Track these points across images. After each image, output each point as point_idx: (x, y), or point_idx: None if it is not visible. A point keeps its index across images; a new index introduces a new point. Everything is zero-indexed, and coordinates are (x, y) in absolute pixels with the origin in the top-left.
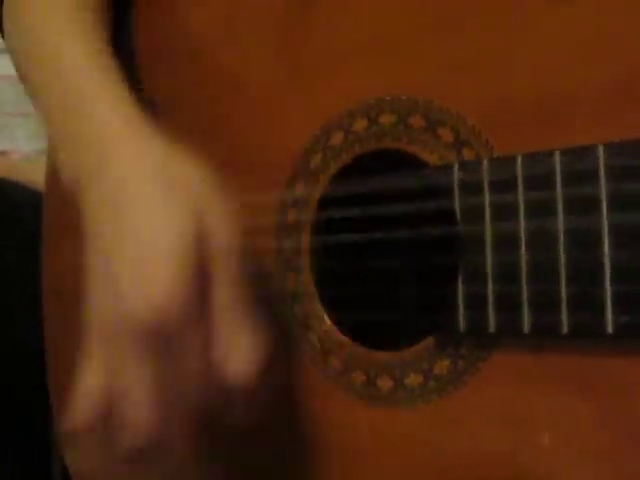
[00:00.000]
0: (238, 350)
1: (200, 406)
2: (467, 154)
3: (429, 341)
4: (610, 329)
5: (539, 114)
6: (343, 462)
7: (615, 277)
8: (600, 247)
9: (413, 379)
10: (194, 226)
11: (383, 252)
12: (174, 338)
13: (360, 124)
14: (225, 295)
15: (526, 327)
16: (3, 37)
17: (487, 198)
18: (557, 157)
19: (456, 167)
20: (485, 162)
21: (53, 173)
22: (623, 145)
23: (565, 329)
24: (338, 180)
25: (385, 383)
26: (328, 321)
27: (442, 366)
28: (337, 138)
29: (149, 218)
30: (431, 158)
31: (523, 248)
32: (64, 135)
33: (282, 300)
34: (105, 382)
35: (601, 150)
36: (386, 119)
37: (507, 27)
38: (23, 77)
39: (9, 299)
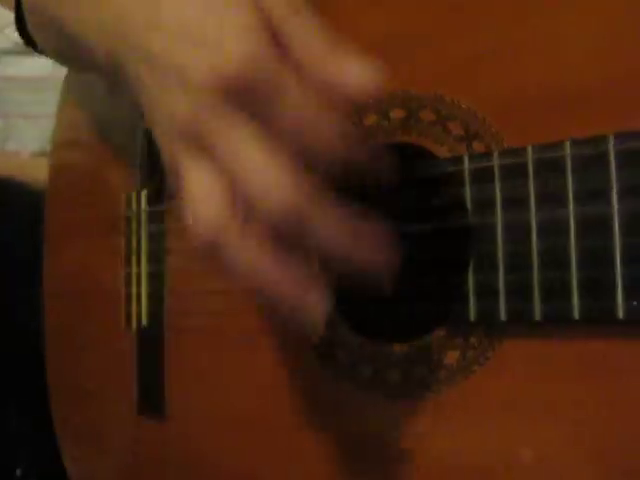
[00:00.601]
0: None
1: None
2: (477, 147)
3: (438, 332)
4: (621, 314)
5: (549, 107)
6: (352, 454)
7: (626, 263)
8: (611, 234)
9: (422, 370)
10: None
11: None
12: (262, 88)
13: (370, 119)
14: (309, 36)
15: (537, 314)
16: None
17: (498, 188)
18: (568, 147)
19: (467, 159)
20: (496, 153)
21: (55, 173)
22: (633, 134)
23: (576, 315)
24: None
25: (393, 376)
26: (334, 314)
27: (452, 356)
28: None
29: None
30: (441, 151)
31: (534, 236)
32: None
33: None
34: (212, 171)
35: (611, 139)
36: (396, 114)
37: (517, 21)
38: None
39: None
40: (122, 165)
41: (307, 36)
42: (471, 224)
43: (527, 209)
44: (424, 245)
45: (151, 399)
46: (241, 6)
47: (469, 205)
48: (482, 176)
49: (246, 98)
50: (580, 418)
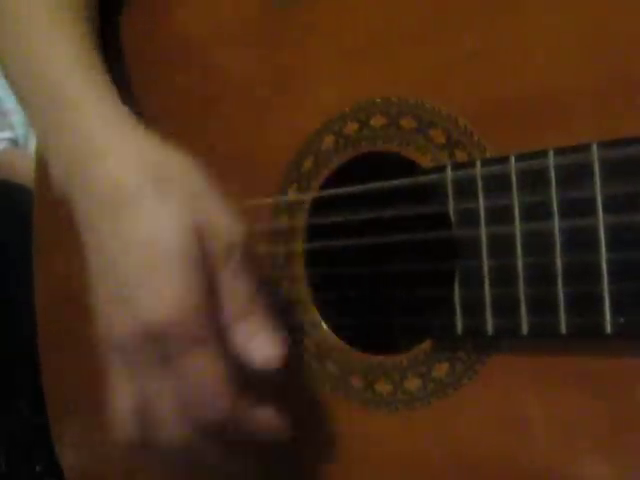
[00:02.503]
0: (262, 335)
1: (230, 400)
2: (460, 155)
3: (427, 344)
4: (609, 329)
5: (531, 114)
6: (343, 467)
7: (612, 277)
8: (597, 247)
9: (412, 382)
10: (193, 221)
11: (378, 256)
12: (193, 337)
13: (351, 127)
14: (236, 287)
15: (525, 329)
16: None
17: (481, 200)
18: (551, 156)
19: (449, 169)
20: (478, 163)
21: (42, 176)
22: (617, 143)
23: (564, 330)
24: (330, 184)
25: (384, 387)
26: (324, 326)
27: (441, 369)
28: (328, 142)
29: (148, 218)
30: (424, 160)
31: (519, 250)
32: (50, 135)
33: (277, 307)
34: (133, 398)
35: (595, 148)
36: (377, 121)
37: (497, 28)
38: (9, 78)
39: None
40: None
41: (234, 292)
42: (455, 236)
43: (511, 221)
44: (411, 257)
45: None
46: (186, 243)
47: (453, 217)
48: (465, 187)
49: (180, 343)
50: (570, 431)
